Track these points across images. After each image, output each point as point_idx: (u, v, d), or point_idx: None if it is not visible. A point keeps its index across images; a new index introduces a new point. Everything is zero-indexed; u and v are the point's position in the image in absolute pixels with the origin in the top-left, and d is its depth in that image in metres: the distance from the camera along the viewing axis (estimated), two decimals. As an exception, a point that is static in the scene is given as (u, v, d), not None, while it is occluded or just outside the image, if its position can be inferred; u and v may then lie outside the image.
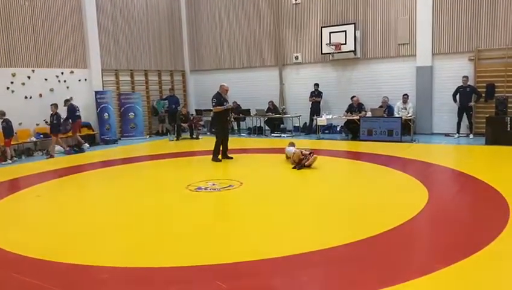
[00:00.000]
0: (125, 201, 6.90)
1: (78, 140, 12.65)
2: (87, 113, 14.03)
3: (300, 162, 8.52)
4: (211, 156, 9.73)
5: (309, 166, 8.47)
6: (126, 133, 15.15)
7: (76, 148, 12.47)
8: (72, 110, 12.49)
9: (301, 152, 8.63)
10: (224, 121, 9.91)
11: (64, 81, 13.44)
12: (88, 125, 14.07)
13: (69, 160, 11.08)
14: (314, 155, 8.60)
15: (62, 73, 13.38)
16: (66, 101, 12.58)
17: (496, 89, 11.77)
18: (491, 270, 3.83)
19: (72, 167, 10.06)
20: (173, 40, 17.03)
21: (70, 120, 12.40)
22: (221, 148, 9.84)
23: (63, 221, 5.90)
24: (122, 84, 15.30)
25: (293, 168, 8.53)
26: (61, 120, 11.88)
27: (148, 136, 15.54)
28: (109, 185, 8.30)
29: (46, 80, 12.90)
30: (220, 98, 9.67)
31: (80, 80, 13.91)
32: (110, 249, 4.70)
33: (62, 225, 5.73)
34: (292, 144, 9.43)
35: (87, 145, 12.80)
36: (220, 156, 9.79)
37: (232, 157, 9.83)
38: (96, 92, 14.12)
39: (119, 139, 14.71)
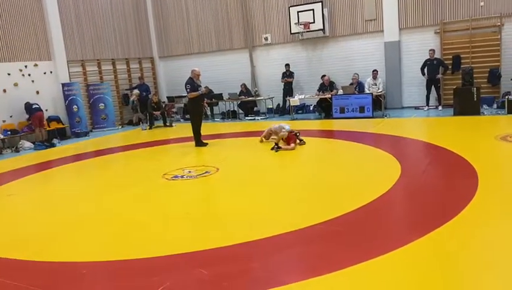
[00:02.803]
0: (100, 194, 6.79)
1: (42, 133, 12.40)
2: (55, 106, 13.68)
3: (278, 144, 8.56)
4: (186, 143, 9.66)
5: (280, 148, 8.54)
6: (97, 124, 14.84)
7: (47, 143, 12.17)
8: (29, 106, 12.27)
9: (283, 138, 8.60)
10: (199, 106, 9.84)
11: (29, 74, 12.99)
12: (57, 119, 13.71)
13: (40, 156, 10.79)
14: (292, 145, 8.57)
15: (26, 66, 12.92)
16: (25, 104, 12.37)
17: (462, 61, 12.06)
18: (464, 238, 3.97)
19: (44, 162, 9.83)
20: (139, 26, 16.59)
21: (29, 115, 12.24)
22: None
23: (37, 219, 5.78)
24: (89, 74, 14.90)
25: (272, 149, 8.54)
26: None
27: (120, 127, 15.27)
28: (83, 179, 8.16)
29: (9, 74, 12.44)
30: (193, 83, 9.55)
31: (45, 73, 13.47)
32: (88, 244, 4.65)
33: (36, 223, 5.61)
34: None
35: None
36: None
37: (207, 144, 9.78)
38: (63, 84, 13.72)
39: (91, 131, 14.41)
